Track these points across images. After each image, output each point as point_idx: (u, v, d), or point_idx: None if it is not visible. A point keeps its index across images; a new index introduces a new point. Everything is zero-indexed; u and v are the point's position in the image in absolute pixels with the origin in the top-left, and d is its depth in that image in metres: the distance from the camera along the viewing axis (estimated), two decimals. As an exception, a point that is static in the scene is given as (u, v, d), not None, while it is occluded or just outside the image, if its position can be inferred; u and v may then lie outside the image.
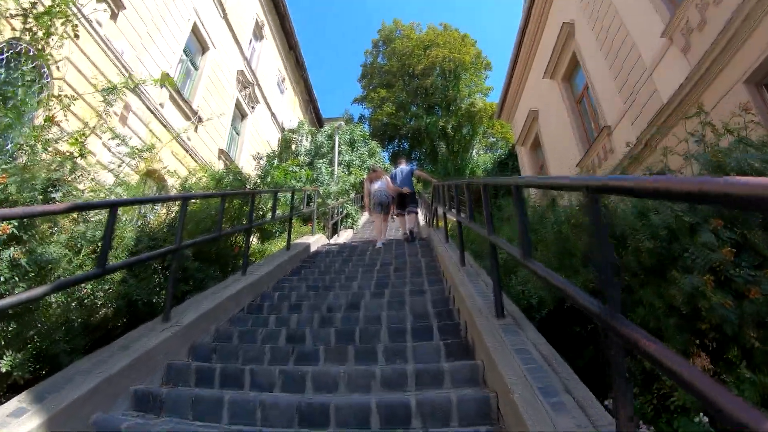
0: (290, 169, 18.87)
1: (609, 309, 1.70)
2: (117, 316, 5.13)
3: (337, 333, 4.54)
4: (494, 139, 39.74)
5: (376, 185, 11.24)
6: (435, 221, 11.76)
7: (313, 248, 10.50)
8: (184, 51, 14.29)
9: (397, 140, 41.50)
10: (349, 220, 18.56)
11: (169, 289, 4.57)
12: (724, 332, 2.82)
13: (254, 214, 9.02)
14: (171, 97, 12.98)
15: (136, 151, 7.73)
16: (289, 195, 10.22)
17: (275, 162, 18.37)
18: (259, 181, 9.70)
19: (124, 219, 6.33)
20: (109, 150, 8.96)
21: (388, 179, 11.50)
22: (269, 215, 8.74)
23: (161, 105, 12.45)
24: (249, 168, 16.60)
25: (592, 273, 3.82)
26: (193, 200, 7.96)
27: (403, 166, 11.80)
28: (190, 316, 4.69)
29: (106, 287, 5.00)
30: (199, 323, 4.74)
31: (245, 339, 4.73)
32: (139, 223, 6.96)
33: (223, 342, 4.68)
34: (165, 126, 12.55)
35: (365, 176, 13.46)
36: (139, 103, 11.41)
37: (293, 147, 23.15)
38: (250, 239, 9.04)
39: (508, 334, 3.46)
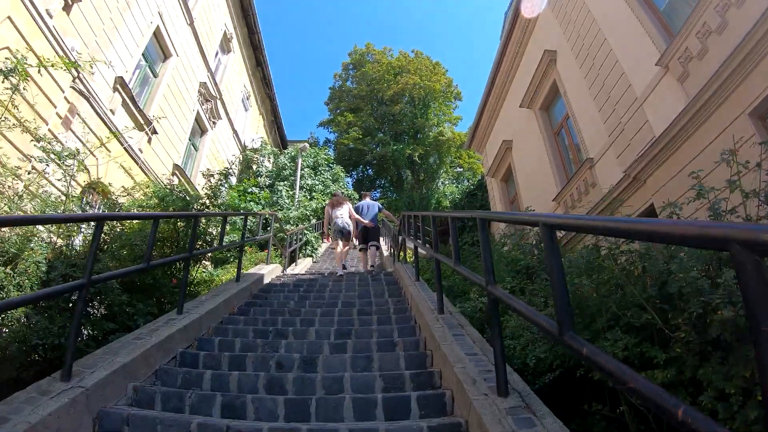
0: (249, 190, 17.83)
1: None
2: (4, 366, 4.05)
3: (288, 405, 3.52)
4: (461, 170, 39.37)
5: (338, 211, 10.99)
6: (400, 254, 10.86)
7: (266, 279, 9.42)
8: (144, 55, 13.18)
9: (362, 167, 40.85)
10: (309, 248, 17.60)
11: (71, 336, 3.50)
12: None
13: (202, 240, 8.03)
14: (124, 103, 11.78)
15: (65, 156, 6.59)
16: (243, 219, 9.15)
17: (232, 181, 17.37)
18: (208, 201, 8.61)
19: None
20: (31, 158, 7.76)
21: (351, 207, 11.31)
22: (224, 241, 7.72)
23: (112, 111, 11.24)
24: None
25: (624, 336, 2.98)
26: (128, 221, 6.92)
27: (369, 201, 11.76)
28: (100, 372, 3.62)
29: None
30: (112, 382, 3.66)
31: (170, 405, 3.67)
32: (58, 245, 5.88)
33: (142, 409, 3.60)
34: (116, 135, 11.26)
35: (327, 201, 13.07)
36: (87, 106, 10.21)
37: (254, 167, 22.20)
38: (191, 270, 7.99)
39: (521, 427, 2.53)
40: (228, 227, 13.30)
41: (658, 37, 8.26)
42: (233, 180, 19.55)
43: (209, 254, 9.41)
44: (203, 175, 12.75)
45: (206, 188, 8.82)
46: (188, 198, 7.88)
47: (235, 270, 8.35)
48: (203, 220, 7.96)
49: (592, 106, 10.39)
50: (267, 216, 11.81)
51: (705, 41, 7.10)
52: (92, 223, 4.16)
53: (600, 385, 3.24)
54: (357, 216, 11.11)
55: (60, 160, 6.64)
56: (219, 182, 8.99)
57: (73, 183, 8.30)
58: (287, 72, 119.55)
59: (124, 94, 11.65)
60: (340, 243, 11.04)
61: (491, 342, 3.42)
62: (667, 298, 2.92)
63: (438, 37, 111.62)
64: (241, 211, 9.04)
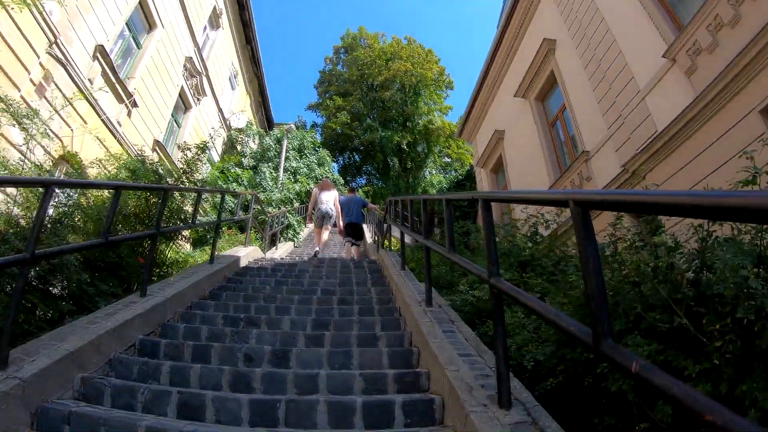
0: (231, 168, 17.29)
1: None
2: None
3: (254, 407, 3.06)
4: (449, 160, 38.94)
5: (324, 196, 11.08)
6: (385, 241, 10.44)
7: (243, 262, 8.93)
8: (127, 25, 12.50)
9: (348, 152, 40.28)
10: (291, 232, 17.13)
11: (7, 318, 3.04)
12: None
13: (176, 218, 7.52)
14: (104, 73, 11.11)
15: (23, 117, 6.05)
16: (221, 197, 8.63)
17: (213, 157, 16.83)
18: (184, 177, 8.06)
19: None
20: None
21: (337, 196, 11.44)
22: (205, 219, 7.22)
23: (90, 81, 10.59)
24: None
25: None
26: (95, 192, 6.41)
27: (354, 196, 11.98)
28: (42, 361, 3.15)
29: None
30: (56, 372, 3.20)
31: (120, 401, 3.20)
32: (15, 215, 5.39)
33: (88, 405, 3.13)
34: (93, 107, 10.77)
35: (316, 184, 13.24)
36: (63, 73, 9.57)
37: (239, 148, 21.62)
38: (165, 249, 7.50)
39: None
40: (208, 207, 12.83)
41: (665, 28, 7.91)
42: (215, 157, 18.99)
43: (187, 233, 8.90)
44: (178, 147, 12.18)
45: (181, 162, 8.27)
46: (161, 171, 7.35)
47: (220, 249, 7.89)
48: (178, 196, 7.45)
49: (591, 97, 10.01)
50: (247, 196, 11.31)
51: (716, 34, 6.78)
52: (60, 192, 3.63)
53: (613, 395, 2.82)
54: (339, 213, 11.21)
55: (19, 121, 6.09)
56: (196, 157, 8.42)
57: (41, 154, 7.79)
58: (278, 53, 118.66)
59: (104, 63, 11.00)
60: (323, 229, 11.10)
61: (492, 344, 3.00)
62: (700, 300, 2.50)
63: (432, 26, 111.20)
64: (215, 188, 8.47)
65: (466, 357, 3.29)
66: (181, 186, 7.48)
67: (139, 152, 8.67)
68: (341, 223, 11.35)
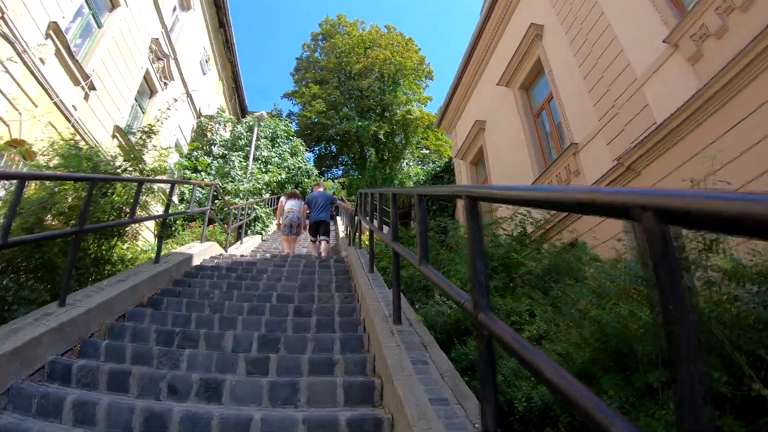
0: (199, 157, 16.37)
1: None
2: None
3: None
4: (427, 152, 38.18)
5: (290, 204, 11.51)
6: (356, 236, 9.65)
7: (197, 261, 8.07)
8: (87, 2, 11.56)
9: (324, 143, 39.29)
10: (259, 225, 16.26)
11: None
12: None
13: (117, 212, 6.63)
14: (57, 52, 10.18)
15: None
16: (169, 188, 7.68)
17: (165, 142, 15.89)
18: (126, 164, 7.10)
19: None
20: None
21: (304, 205, 11.68)
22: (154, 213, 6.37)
23: (42, 60, 9.64)
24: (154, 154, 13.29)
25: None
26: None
27: (322, 192, 11.80)
28: None
29: None
30: None
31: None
32: None
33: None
34: (45, 89, 9.83)
35: (283, 193, 13.29)
36: (10, 51, 8.61)
37: (209, 135, 20.63)
38: (107, 245, 6.64)
39: None
40: (178, 200, 11.99)
41: (667, 11, 7.24)
42: (184, 147, 18.05)
43: (152, 227, 8.01)
44: (114, 130, 11.35)
45: (118, 147, 7.35)
46: (97, 158, 6.44)
47: (180, 244, 7.02)
48: (119, 187, 6.56)
49: (581, 86, 9.31)
50: (203, 186, 10.43)
51: (726, 18, 6.12)
52: None
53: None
54: (305, 212, 11.61)
55: None
56: (142, 142, 7.51)
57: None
58: (257, 42, 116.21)
59: (57, 41, 10.07)
60: (288, 237, 11.47)
61: (476, 386, 2.25)
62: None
63: (412, 15, 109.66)
64: (165, 177, 7.53)
65: (440, 405, 2.53)
66: (115, 176, 6.54)
67: (99, 140, 7.82)
68: (305, 222, 11.76)
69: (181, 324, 4.76)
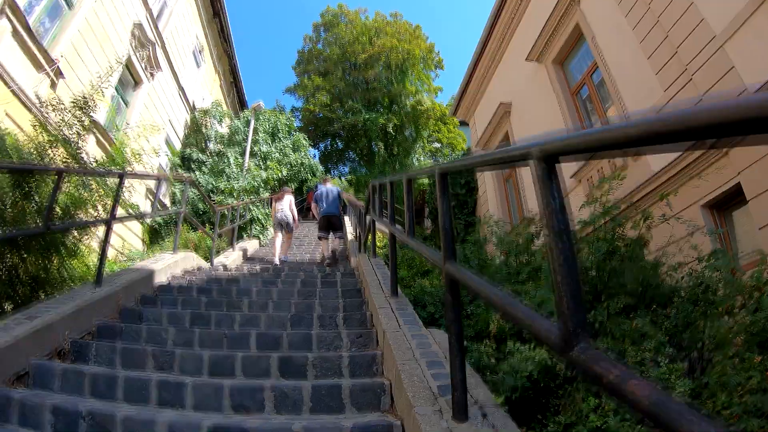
0: (193, 154, 14.85)
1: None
2: None
3: None
4: (439, 145, 36.34)
5: (279, 205, 11.53)
6: (368, 240, 7.96)
7: (160, 278, 6.32)
8: (53, -21, 9.98)
9: (330, 139, 37.67)
10: (257, 227, 14.82)
11: None
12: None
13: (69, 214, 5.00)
14: (15, 33, 8.72)
15: None
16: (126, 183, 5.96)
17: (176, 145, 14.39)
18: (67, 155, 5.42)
19: None
20: None
21: (292, 199, 11.80)
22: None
23: (-5, 41, 8.12)
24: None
25: None
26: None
27: (330, 187, 11.46)
28: None
29: None
30: None
31: None
32: None
33: None
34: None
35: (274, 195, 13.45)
36: None
37: (204, 131, 19.15)
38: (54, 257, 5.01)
39: None
40: (168, 201, 10.55)
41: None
42: (176, 144, 16.88)
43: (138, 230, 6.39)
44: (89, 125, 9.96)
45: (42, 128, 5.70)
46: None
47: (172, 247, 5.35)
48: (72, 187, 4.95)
49: (636, 52, 7.69)
50: (173, 181, 8.79)
51: None
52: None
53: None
54: (295, 217, 11.69)
55: None
56: (75, 118, 5.86)
57: None
58: (255, 34, 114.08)
59: (15, 20, 8.65)
60: (280, 234, 11.36)
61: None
62: None
63: (419, 4, 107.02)
64: (114, 170, 5.81)
65: None
66: (35, 164, 4.85)
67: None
68: (296, 223, 11.92)
69: (99, 395, 3.04)
